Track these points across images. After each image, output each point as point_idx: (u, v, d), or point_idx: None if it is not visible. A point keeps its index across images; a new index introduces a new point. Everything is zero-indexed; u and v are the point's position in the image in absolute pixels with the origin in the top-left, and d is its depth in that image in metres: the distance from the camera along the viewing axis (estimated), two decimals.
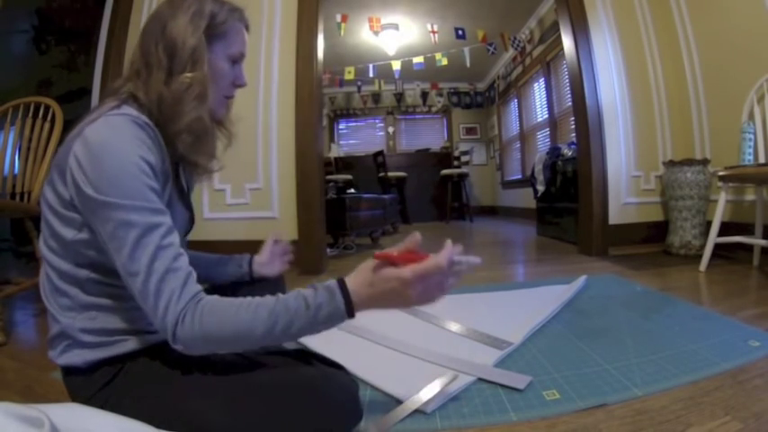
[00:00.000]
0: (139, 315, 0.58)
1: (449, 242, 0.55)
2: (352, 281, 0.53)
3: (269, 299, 0.52)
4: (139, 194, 0.51)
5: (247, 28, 0.70)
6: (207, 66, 0.60)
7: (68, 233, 0.54)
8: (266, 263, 0.88)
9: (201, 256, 0.86)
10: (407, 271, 0.51)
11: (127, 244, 0.49)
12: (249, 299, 0.52)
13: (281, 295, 0.52)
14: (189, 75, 0.59)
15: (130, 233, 0.50)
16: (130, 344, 0.57)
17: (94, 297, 0.56)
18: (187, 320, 0.49)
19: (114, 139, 0.52)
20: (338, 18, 4.10)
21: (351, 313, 0.52)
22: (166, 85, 0.58)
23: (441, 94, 6.73)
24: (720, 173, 1.72)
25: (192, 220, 0.74)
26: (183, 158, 0.64)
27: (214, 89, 0.63)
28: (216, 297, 0.52)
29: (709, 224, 1.81)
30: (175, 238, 0.53)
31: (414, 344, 0.98)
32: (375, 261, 0.54)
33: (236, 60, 0.66)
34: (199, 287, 0.52)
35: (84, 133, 0.53)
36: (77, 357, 0.55)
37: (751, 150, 1.79)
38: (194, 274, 0.53)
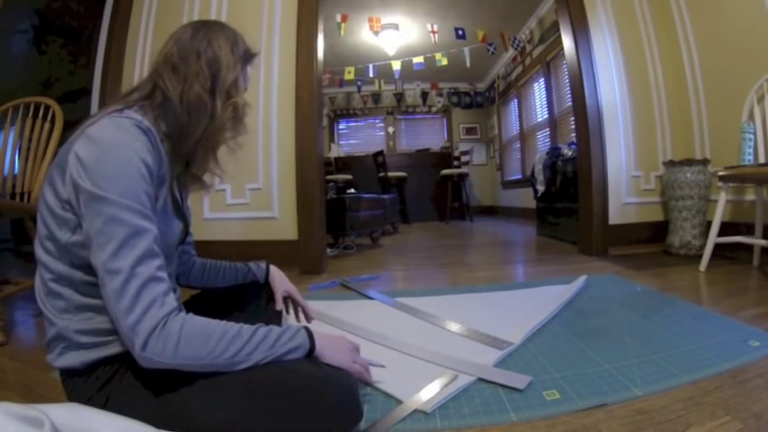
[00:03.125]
0: None
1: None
2: (319, 339, 0.62)
3: (248, 326, 0.56)
4: (135, 196, 0.52)
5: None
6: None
7: (64, 235, 0.54)
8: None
9: (213, 266, 0.90)
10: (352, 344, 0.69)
11: (113, 241, 0.49)
12: (228, 324, 0.55)
13: (261, 329, 0.57)
14: (236, 99, 0.66)
15: (119, 231, 0.50)
16: None
17: (89, 298, 0.56)
18: (168, 329, 0.49)
19: (118, 138, 0.53)
20: (338, 18, 4.10)
21: (312, 342, 0.60)
22: (211, 98, 0.63)
23: (441, 94, 6.73)
24: (720, 173, 1.72)
25: (185, 231, 0.74)
26: (195, 162, 0.66)
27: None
28: (194, 316, 0.53)
29: (709, 224, 1.81)
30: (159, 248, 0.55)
31: (414, 344, 0.98)
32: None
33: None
34: (178, 303, 0.54)
35: (87, 132, 0.54)
36: (75, 359, 0.55)
37: (751, 150, 1.79)
38: (175, 292, 0.56)
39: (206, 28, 0.67)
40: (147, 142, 0.55)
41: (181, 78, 0.62)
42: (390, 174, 4.97)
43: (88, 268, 0.55)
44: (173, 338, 0.49)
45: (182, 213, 0.71)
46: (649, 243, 2.32)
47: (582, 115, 2.26)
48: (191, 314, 0.53)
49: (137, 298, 0.48)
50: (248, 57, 0.71)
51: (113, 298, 0.48)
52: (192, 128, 0.62)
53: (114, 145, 0.52)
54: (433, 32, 4.47)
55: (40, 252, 0.57)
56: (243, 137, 0.76)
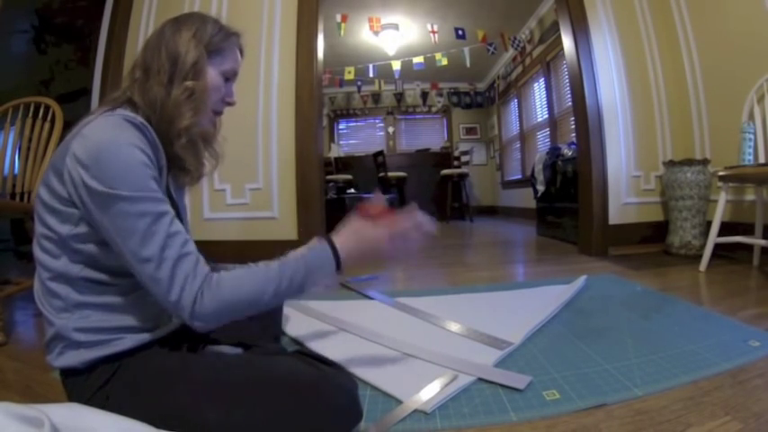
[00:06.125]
0: (134, 312, 0.59)
1: (414, 206, 0.68)
2: (339, 239, 0.63)
3: (272, 265, 0.59)
4: (145, 185, 0.53)
5: (242, 53, 0.73)
6: (206, 77, 0.64)
7: (65, 229, 0.55)
8: None
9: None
10: (384, 231, 0.65)
11: (137, 233, 0.52)
12: (254, 267, 0.59)
13: (281, 259, 0.61)
14: (191, 83, 0.62)
15: (140, 222, 0.52)
16: (127, 342, 0.57)
17: (87, 296, 0.56)
18: (206, 296, 0.52)
19: (114, 135, 0.53)
20: (338, 18, 4.10)
21: (338, 265, 0.62)
22: (167, 90, 0.61)
23: (441, 94, 6.72)
24: (720, 173, 1.72)
25: None
26: (177, 159, 0.65)
27: (208, 101, 0.66)
28: (224, 272, 0.56)
29: (709, 224, 1.81)
30: (179, 224, 0.56)
31: (414, 344, 0.98)
32: (358, 221, 0.66)
33: (228, 78, 0.70)
34: (207, 268, 0.56)
35: (82, 132, 0.54)
36: (74, 358, 0.55)
37: (751, 150, 1.79)
38: (202, 258, 0.56)
39: (173, 23, 0.66)
40: (141, 136, 0.56)
41: (144, 79, 0.62)
42: (390, 174, 4.97)
43: (86, 263, 0.55)
44: (212, 304, 0.53)
45: (176, 210, 0.71)
46: (649, 243, 2.32)
47: (582, 115, 2.26)
48: (222, 274, 0.55)
49: (172, 279, 0.52)
50: (224, 37, 0.67)
51: (151, 283, 0.52)
52: (158, 122, 0.61)
53: (112, 140, 0.53)
54: (433, 32, 4.47)
55: (37, 251, 0.57)
56: (223, 134, 0.76)
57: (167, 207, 0.55)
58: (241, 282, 0.55)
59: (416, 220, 0.67)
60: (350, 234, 0.65)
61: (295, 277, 0.58)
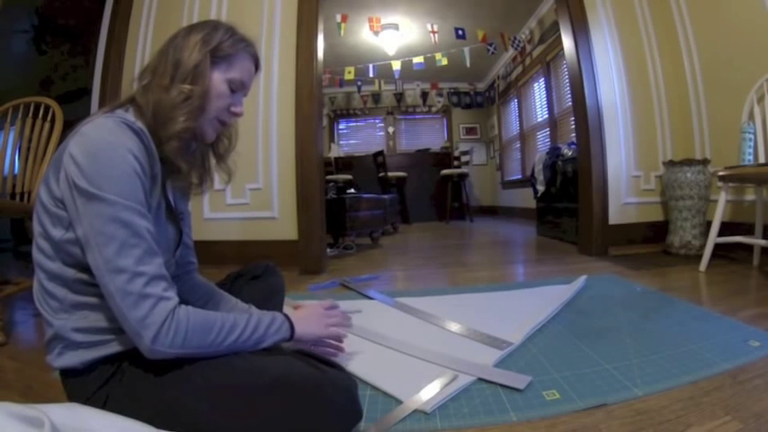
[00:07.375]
0: None
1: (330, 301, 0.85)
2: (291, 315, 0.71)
3: (240, 316, 0.61)
4: (134, 195, 0.53)
5: (257, 65, 0.72)
6: (208, 82, 0.64)
7: (57, 232, 0.55)
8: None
9: (221, 297, 0.81)
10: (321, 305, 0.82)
11: (115, 241, 0.50)
12: (224, 314, 0.59)
13: (252, 313, 0.63)
14: (188, 86, 0.61)
15: (120, 231, 0.51)
16: (125, 342, 0.57)
17: (83, 296, 0.56)
18: (177, 320, 0.52)
19: (111, 137, 0.53)
20: (338, 18, 4.10)
21: (292, 329, 0.67)
22: (166, 91, 0.61)
23: (441, 94, 6.72)
24: (720, 173, 1.72)
25: (179, 236, 0.72)
26: (170, 163, 0.64)
27: (208, 107, 0.65)
28: (193, 308, 0.55)
29: (709, 224, 1.81)
30: (157, 248, 0.55)
31: (414, 344, 0.98)
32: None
33: (236, 88, 0.68)
34: (177, 297, 0.55)
35: (81, 130, 0.54)
36: (74, 359, 0.55)
37: (751, 150, 1.79)
38: (175, 286, 0.56)
39: (187, 28, 0.66)
40: (138, 142, 0.56)
41: (150, 81, 0.63)
42: (390, 174, 4.97)
43: (80, 266, 0.55)
44: (181, 330, 0.52)
45: (174, 218, 0.70)
46: (649, 243, 2.32)
47: (582, 115, 2.26)
48: (190, 306, 0.55)
49: (143, 294, 0.50)
50: (233, 43, 0.66)
51: (119, 295, 0.50)
52: (156, 123, 0.60)
53: (108, 143, 0.53)
54: (433, 32, 4.47)
55: (35, 252, 0.57)
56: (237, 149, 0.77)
57: (150, 224, 0.54)
58: (210, 322, 0.55)
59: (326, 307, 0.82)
60: (304, 318, 0.74)
61: (254, 335, 0.60)
